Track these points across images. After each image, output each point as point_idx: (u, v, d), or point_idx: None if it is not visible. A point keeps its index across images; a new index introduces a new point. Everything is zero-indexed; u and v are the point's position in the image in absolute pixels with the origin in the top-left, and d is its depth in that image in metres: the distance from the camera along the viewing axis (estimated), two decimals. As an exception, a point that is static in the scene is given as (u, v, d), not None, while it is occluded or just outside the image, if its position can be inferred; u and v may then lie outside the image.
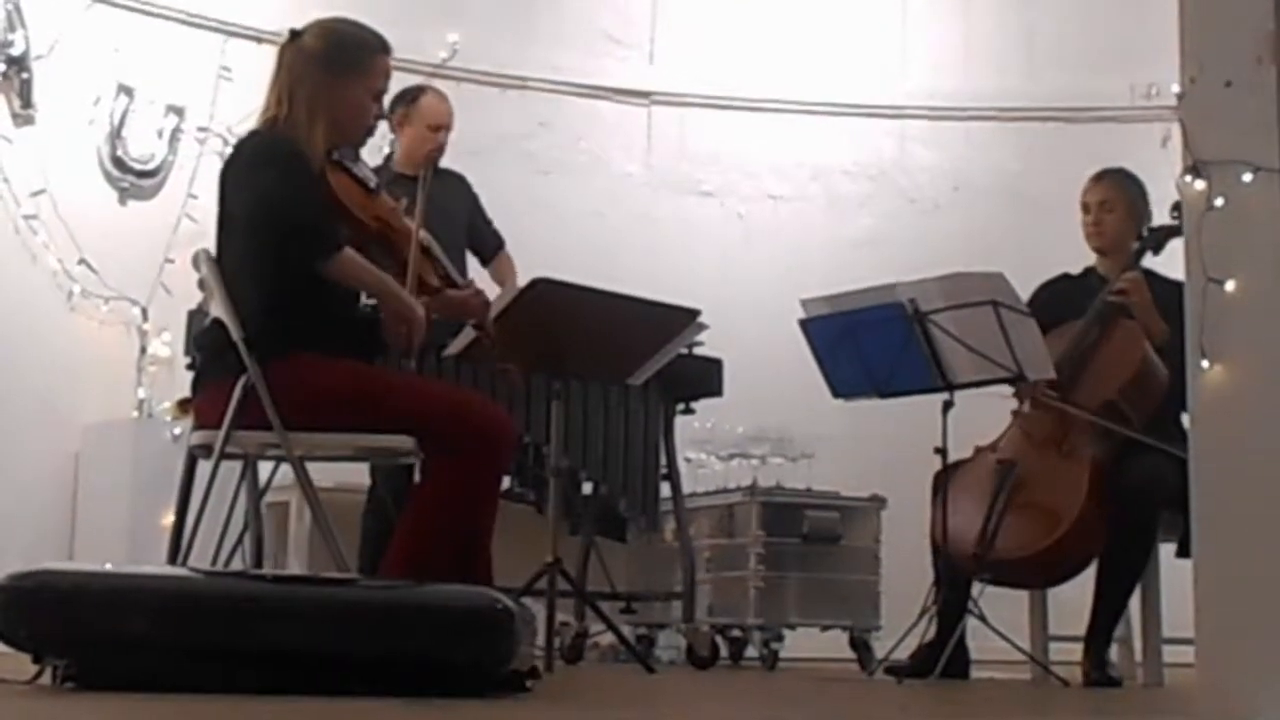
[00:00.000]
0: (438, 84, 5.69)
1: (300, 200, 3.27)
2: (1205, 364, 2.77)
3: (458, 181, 5.35)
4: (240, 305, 3.32)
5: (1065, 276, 4.66)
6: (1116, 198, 4.62)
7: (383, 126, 5.75)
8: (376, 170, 5.02)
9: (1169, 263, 4.53)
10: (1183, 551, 4.17)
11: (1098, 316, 4.44)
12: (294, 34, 3.48)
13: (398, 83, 5.09)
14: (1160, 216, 4.54)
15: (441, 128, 5.18)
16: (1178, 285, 4.45)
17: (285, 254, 3.28)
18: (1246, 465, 2.68)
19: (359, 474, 4.83)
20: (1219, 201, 2.76)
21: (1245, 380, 2.71)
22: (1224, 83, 2.75)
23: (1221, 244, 2.75)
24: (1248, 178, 2.72)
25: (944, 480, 4.34)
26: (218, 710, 2.40)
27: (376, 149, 6.20)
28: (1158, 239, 4.50)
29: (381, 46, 3.54)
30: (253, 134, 3.47)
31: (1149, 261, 4.55)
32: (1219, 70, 2.76)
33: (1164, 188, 4.12)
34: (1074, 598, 4.45)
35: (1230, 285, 2.73)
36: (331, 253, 3.28)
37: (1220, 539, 2.72)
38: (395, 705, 2.55)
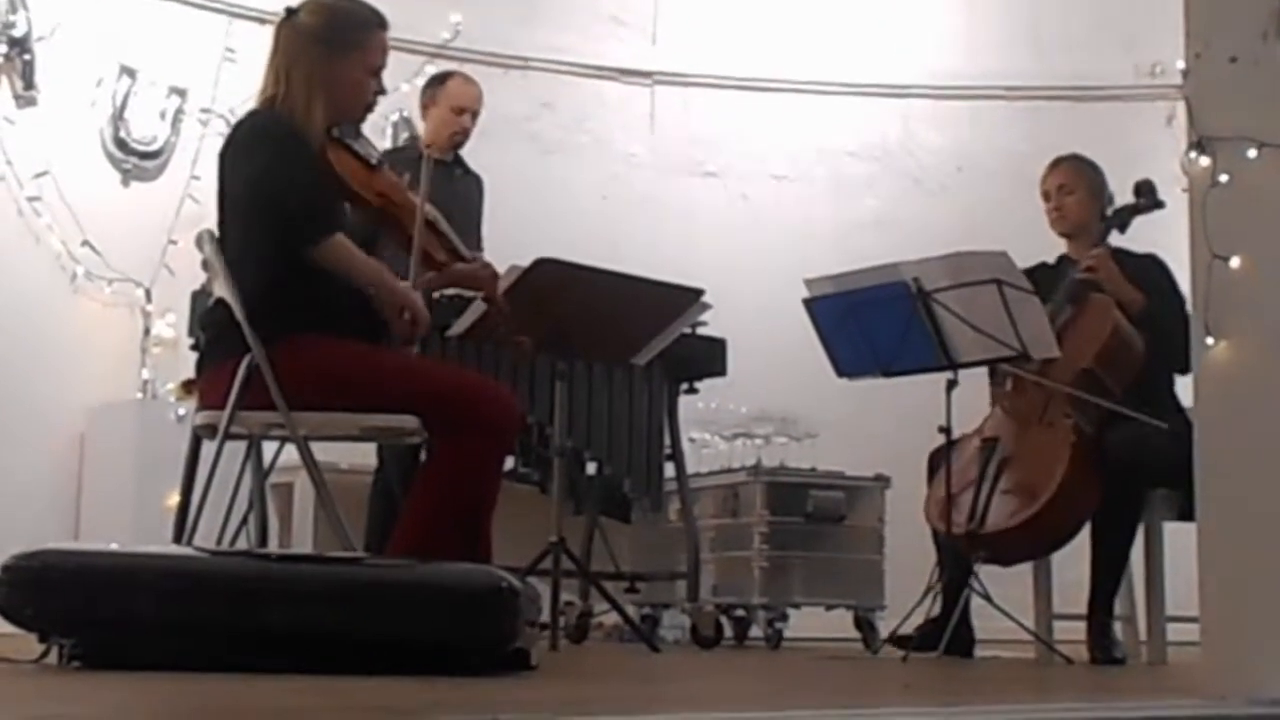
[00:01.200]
0: (440, 64, 5.70)
1: (291, 184, 3.26)
2: (1210, 340, 2.76)
3: (476, 181, 5.38)
4: (243, 286, 3.32)
5: (1042, 265, 4.70)
6: (1074, 180, 4.70)
7: (394, 106, 5.80)
8: (400, 150, 5.10)
9: (1137, 240, 4.60)
10: (1185, 516, 4.19)
11: (1068, 296, 4.50)
12: (289, 12, 3.47)
13: (400, 64, 5.11)
14: (1125, 196, 4.62)
15: (465, 110, 5.24)
16: (1149, 257, 4.55)
17: (274, 237, 3.27)
18: (1252, 442, 2.68)
19: (364, 454, 4.84)
20: (1224, 178, 2.74)
21: (1250, 357, 2.71)
22: (1229, 58, 2.74)
23: (1226, 220, 2.74)
24: (1253, 154, 2.70)
25: (945, 458, 4.35)
26: (223, 689, 2.40)
27: (380, 130, 6.23)
28: (1122, 218, 4.59)
29: (378, 22, 3.52)
30: (251, 114, 3.46)
31: (1117, 240, 4.61)
32: (1224, 46, 2.75)
33: (1169, 166, 4.11)
34: (1077, 576, 4.46)
35: (1235, 262, 2.72)
36: (320, 239, 3.27)
37: (1225, 516, 2.71)
38: (401, 684, 2.56)
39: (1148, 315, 4.42)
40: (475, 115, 5.27)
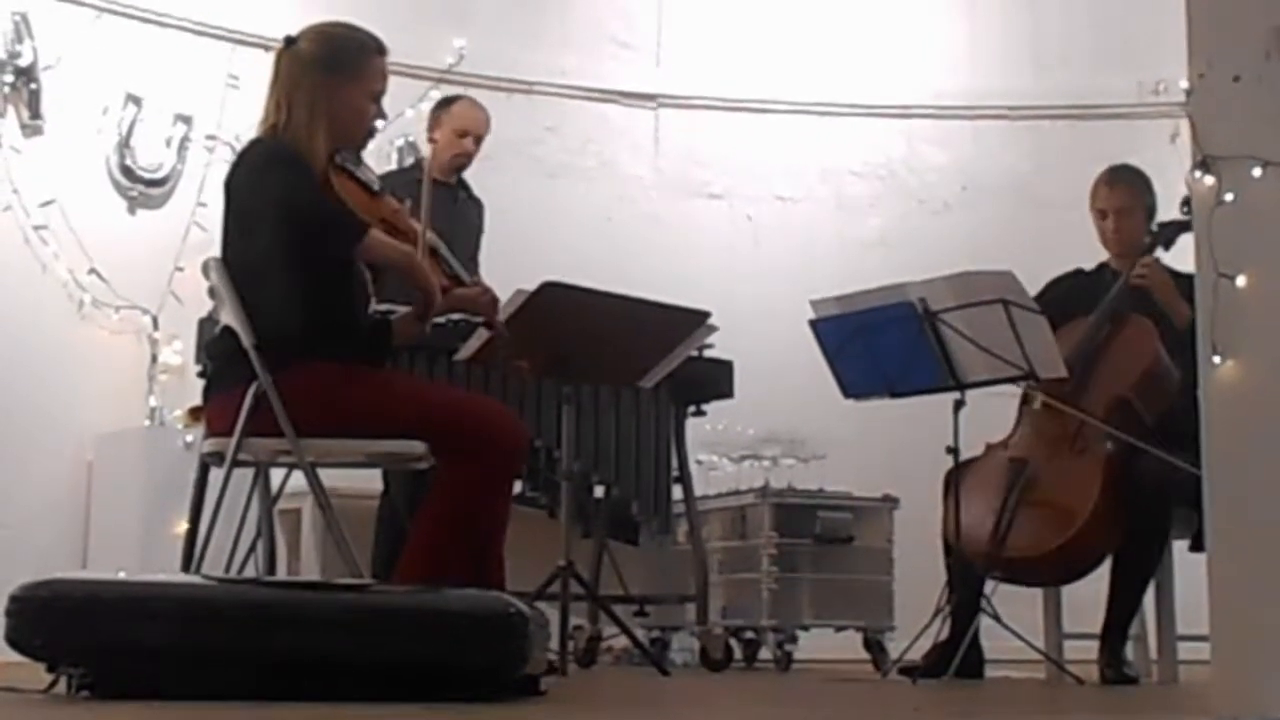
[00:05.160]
0: (445, 89, 5.72)
1: (319, 195, 3.31)
2: (1217, 360, 2.75)
3: (478, 206, 5.39)
4: (252, 311, 3.32)
5: (1079, 272, 4.65)
6: (1135, 202, 4.58)
7: (400, 131, 5.82)
8: (404, 171, 5.12)
9: (1179, 259, 4.54)
10: (1196, 546, 4.17)
11: (1111, 311, 4.43)
12: (289, 40, 3.48)
13: (405, 89, 5.14)
14: (1169, 211, 4.49)
15: (468, 134, 5.27)
16: (1190, 277, 4.48)
17: (315, 248, 3.29)
18: (1260, 461, 2.67)
19: (371, 479, 4.83)
20: (1229, 197, 2.75)
21: (1258, 375, 2.70)
22: (1233, 77, 2.74)
23: (1232, 239, 2.74)
24: (1258, 173, 2.70)
25: (955, 479, 4.33)
26: (232, 717, 2.40)
27: (384, 155, 6.25)
28: (1168, 235, 4.44)
29: (377, 48, 3.53)
30: (255, 141, 3.47)
31: (1160, 256, 4.52)
32: (1228, 65, 2.75)
33: (1173, 184, 4.12)
34: (1088, 595, 4.44)
35: (1241, 280, 2.72)
36: (361, 236, 3.29)
37: (1234, 535, 2.70)
38: (410, 710, 2.55)
39: (1192, 332, 4.34)
40: (479, 140, 5.30)
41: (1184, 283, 4.45)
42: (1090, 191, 4.66)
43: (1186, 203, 4.35)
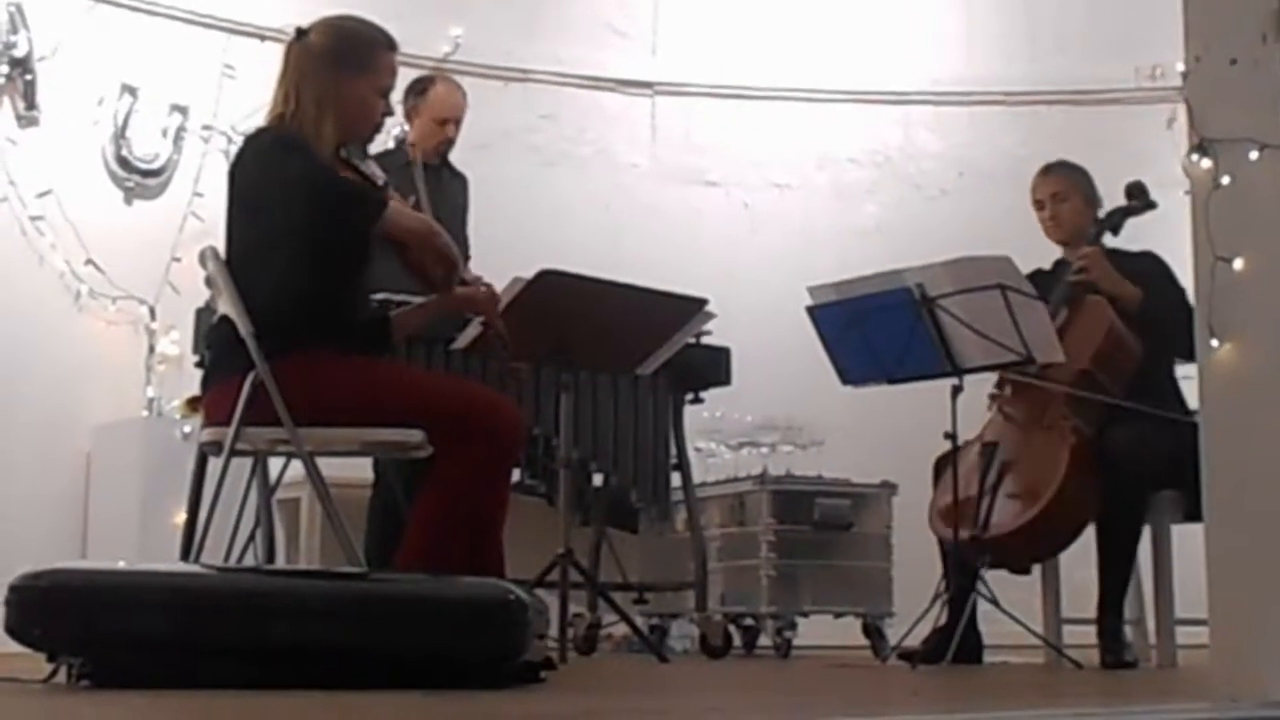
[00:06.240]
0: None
1: (335, 173, 3.32)
2: (1214, 343, 2.76)
3: (462, 182, 5.37)
4: (250, 301, 3.32)
5: (1038, 271, 4.69)
6: (1067, 187, 4.71)
7: (396, 121, 5.79)
8: (388, 154, 5.11)
9: (1132, 243, 4.61)
10: (1191, 517, 4.19)
11: (1064, 299, 4.52)
12: (300, 32, 3.48)
13: (402, 77, 5.10)
14: (1116, 198, 4.63)
15: (449, 121, 5.21)
16: (1146, 254, 4.55)
17: (340, 223, 3.29)
18: (1258, 444, 2.68)
19: (362, 467, 4.83)
20: (1226, 180, 2.75)
21: (1255, 358, 2.71)
22: (1229, 60, 2.74)
23: (1229, 222, 2.74)
24: (1254, 155, 2.71)
25: (951, 463, 4.34)
26: (232, 707, 2.40)
27: (383, 145, 6.24)
28: (1114, 220, 4.61)
29: (388, 43, 3.54)
30: (262, 129, 3.46)
31: (1111, 242, 4.63)
32: (1224, 48, 2.75)
33: (1170, 169, 4.11)
34: (1086, 580, 4.45)
35: (1238, 263, 2.72)
36: (385, 206, 3.30)
37: (1233, 518, 2.71)
38: (410, 698, 2.55)
39: (1146, 309, 4.43)
40: (459, 123, 5.25)
41: (1137, 260, 4.53)
42: (1030, 188, 4.78)
43: (1130, 191, 4.47)
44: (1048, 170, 4.77)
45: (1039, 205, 4.74)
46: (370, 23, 3.56)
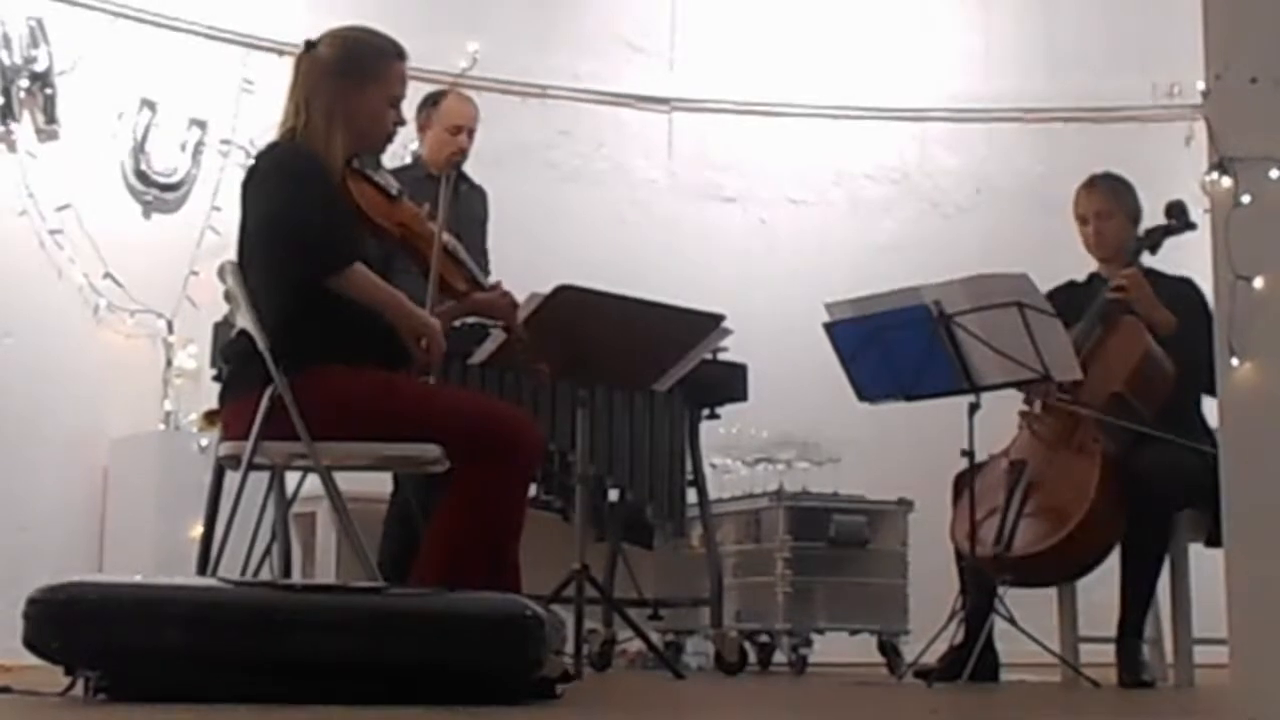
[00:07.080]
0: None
1: (311, 214, 3.27)
2: (1235, 361, 2.75)
3: (481, 195, 5.38)
4: (265, 317, 3.33)
5: (1071, 284, 4.67)
6: (1114, 205, 4.64)
7: (412, 135, 5.82)
8: (406, 169, 5.13)
9: (1167, 261, 4.57)
10: (1212, 542, 4.17)
11: (1099, 316, 4.48)
12: (309, 44, 3.49)
13: (419, 93, 5.13)
14: (1156, 215, 4.58)
15: (461, 129, 5.20)
16: (1183, 280, 4.52)
17: (295, 269, 3.28)
18: (1278, 462, 2.67)
19: (383, 482, 4.83)
20: (1246, 198, 2.74)
21: (1275, 377, 2.70)
22: (1250, 79, 2.74)
23: (1249, 241, 2.74)
24: (1275, 174, 2.71)
25: (969, 481, 4.33)
26: (249, 720, 2.40)
27: (397, 155, 6.25)
28: (1154, 239, 4.54)
29: (397, 53, 3.54)
30: (271, 146, 3.47)
31: (1149, 261, 4.58)
32: (1245, 66, 2.75)
33: (1188, 187, 4.11)
34: (1104, 598, 4.43)
35: (1259, 282, 2.72)
36: (341, 268, 3.27)
37: (1252, 538, 2.70)
38: (426, 714, 2.55)
39: (1178, 338, 4.36)
40: (472, 133, 5.24)
41: (1174, 285, 4.49)
42: (1072, 200, 4.71)
43: (1169, 210, 4.42)
44: (1093, 184, 4.67)
45: (1082, 220, 4.65)
46: (379, 33, 3.56)
